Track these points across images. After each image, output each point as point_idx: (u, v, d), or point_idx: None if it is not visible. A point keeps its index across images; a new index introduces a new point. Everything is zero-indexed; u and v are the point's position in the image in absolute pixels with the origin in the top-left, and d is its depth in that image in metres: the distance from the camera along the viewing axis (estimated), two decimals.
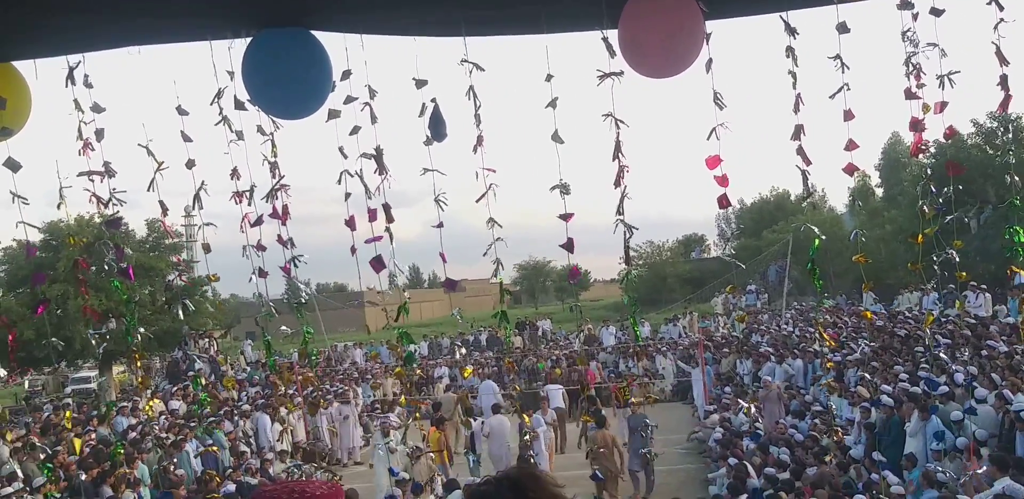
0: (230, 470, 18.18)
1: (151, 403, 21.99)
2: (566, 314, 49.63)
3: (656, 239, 70.30)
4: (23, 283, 30.82)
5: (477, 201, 6.33)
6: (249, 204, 6.90)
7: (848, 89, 6.54)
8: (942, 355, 17.62)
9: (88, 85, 6.34)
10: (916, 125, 6.92)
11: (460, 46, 6.16)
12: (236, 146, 6.65)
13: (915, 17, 6.71)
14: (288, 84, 5.80)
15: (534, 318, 47.86)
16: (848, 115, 6.63)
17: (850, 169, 6.81)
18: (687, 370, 28.82)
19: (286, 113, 6.22)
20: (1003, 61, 6.69)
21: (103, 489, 16.24)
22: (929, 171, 8.47)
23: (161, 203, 7.09)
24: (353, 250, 6.65)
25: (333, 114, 6.30)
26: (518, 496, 2.42)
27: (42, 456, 17.51)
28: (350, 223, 6.71)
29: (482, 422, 19.33)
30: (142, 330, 7.45)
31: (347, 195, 6.61)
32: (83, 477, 16.43)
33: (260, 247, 7.02)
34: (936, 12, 6.51)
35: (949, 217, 7.62)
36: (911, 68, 6.93)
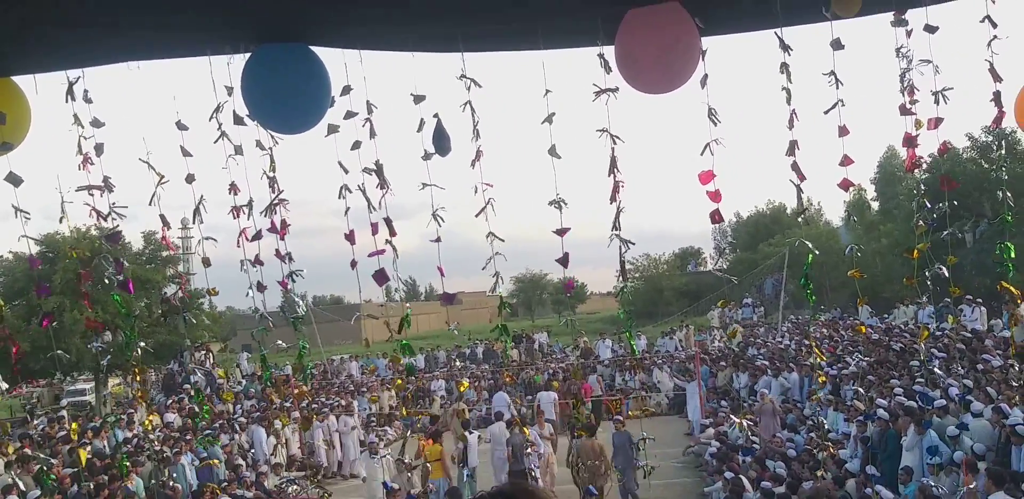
0: (225, 483, 18.11)
1: (151, 418, 21.91)
2: (563, 327, 49.60)
3: (652, 252, 70.51)
4: (19, 295, 30.76)
5: (476, 216, 6.37)
6: (248, 218, 6.92)
7: (843, 105, 6.60)
8: (937, 371, 17.62)
9: (88, 100, 6.37)
10: (910, 141, 6.97)
11: (458, 61, 6.22)
12: (235, 161, 6.68)
13: (909, 34, 6.77)
14: (287, 99, 5.82)
15: (530, 331, 47.81)
16: (843, 131, 6.68)
17: (845, 185, 6.85)
18: (681, 385, 28.81)
19: (285, 128, 6.24)
20: (996, 78, 6.75)
21: None
22: (923, 187, 8.49)
23: (162, 217, 7.12)
24: (353, 264, 6.67)
25: (332, 129, 6.33)
26: None
27: (37, 467, 17.42)
28: (350, 237, 6.73)
29: (478, 435, 19.44)
30: (142, 344, 7.45)
31: (347, 209, 6.65)
32: (77, 489, 16.35)
33: (258, 262, 7.03)
34: (930, 29, 6.58)
35: (945, 232, 7.66)
36: (905, 84, 6.99)
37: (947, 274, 7.30)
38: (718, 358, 31.33)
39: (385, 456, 18.91)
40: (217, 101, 6.39)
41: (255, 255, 7.04)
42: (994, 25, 6.57)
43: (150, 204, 6.70)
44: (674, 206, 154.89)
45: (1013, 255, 7.09)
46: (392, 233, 6.57)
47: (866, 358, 22.33)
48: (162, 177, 6.74)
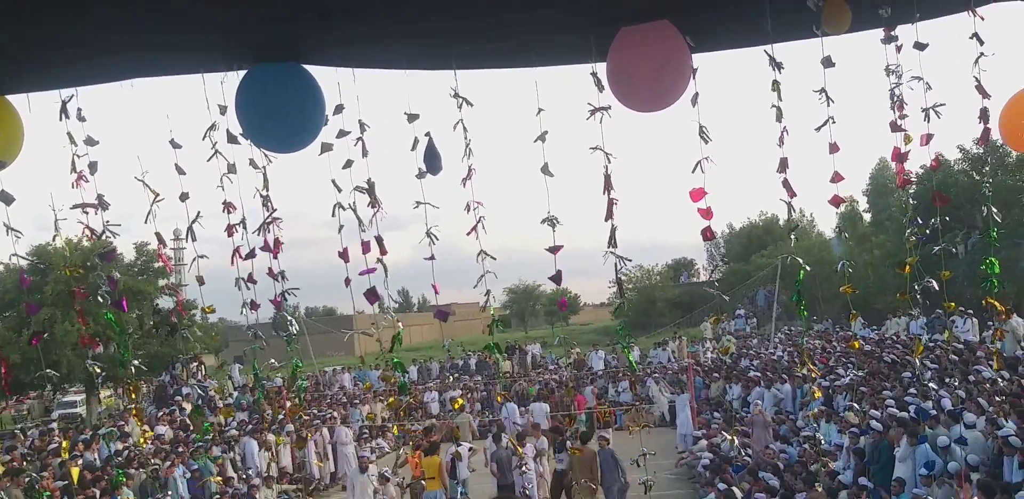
0: (217, 496, 18.05)
1: (147, 435, 21.80)
2: (555, 342, 49.50)
3: (645, 263, 70.40)
4: (9, 307, 30.69)
5: (468, 234, 6.39)
6: (242, 238, 6.93)
7: (833, 122, 6.64)
8: (930, 385, 17.62)
9: (81, 118, 6.38)
10: (900, 157, 7.02)
11: (451, 79, 6.25)
12: (228, 180, 6.69)
13: (899, 49, 6.83)
14: (281, 118, 5.83)
15: (523, 342, 47.71)
16: (833, 148, 6.72)
17: (836, 201, 6.88)
18: (670, 398, 28.78)
19: (279, 146, 6.25)
20: (984, 94, 6.80)
21: None
22: (913, 202, 8.53)
23: (158, 235, 7.12)
24: (347, 281, 6.68)
25: (326, 148, 6.35)
26: None
27: (26, 481, 17.33)
28: (344, 255, 6.73)
29: (470, 447, 19.49)
30: (136, 363, 7.44)
31: (340, 228, 6.66)
32: None
33: (251, 280, 7.03)
34: (920, 46, 6.63)
35: (936, 247, 7.68)
36: (895, 100, 7.04)
37: (937, 288, 7.31)
38: (711, 369, 31.33)
39: (374, 474, 18.82)
40: (211, 119, 6.41)
41: (248, 274, 7.04)
42: (981, 42, 6.62)
43: (145, 222, 6.71)
44: (667, 217, 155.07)
45: (998, 270, 7.13)
46: (383, 252, 6.59)
47: (858, 373, 22.30)
48: (157, 195, 6.75)
